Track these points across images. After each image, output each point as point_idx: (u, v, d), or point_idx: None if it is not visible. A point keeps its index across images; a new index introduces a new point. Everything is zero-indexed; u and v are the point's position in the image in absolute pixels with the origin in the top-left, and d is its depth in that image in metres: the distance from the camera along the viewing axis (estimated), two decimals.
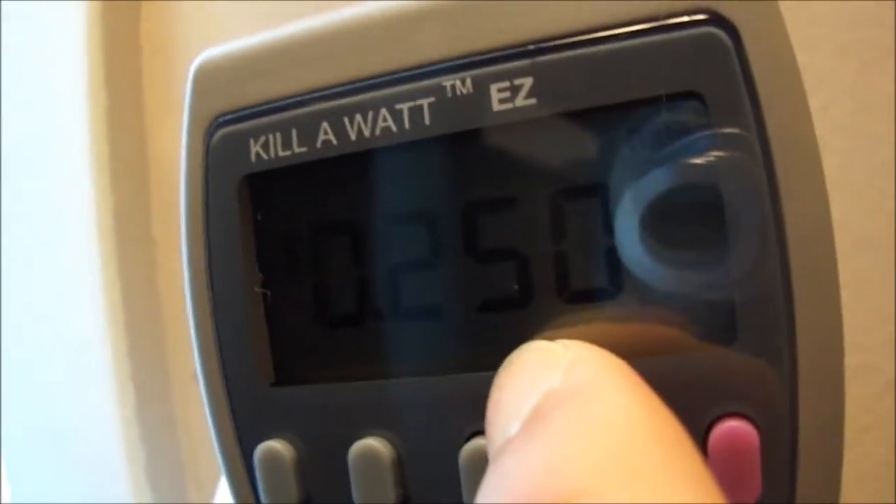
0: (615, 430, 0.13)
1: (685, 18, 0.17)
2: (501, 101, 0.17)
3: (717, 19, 0.17)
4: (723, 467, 0.16)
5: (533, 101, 0.17)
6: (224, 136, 0.19)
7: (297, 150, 0.18)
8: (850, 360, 0.27)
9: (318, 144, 0.18)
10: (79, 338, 0.40)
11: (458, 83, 0.17)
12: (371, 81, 0.18)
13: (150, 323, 0.40)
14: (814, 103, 0.27)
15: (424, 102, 0.17)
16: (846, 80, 0.27)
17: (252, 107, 0.19)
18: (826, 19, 0.27)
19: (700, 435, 0.17)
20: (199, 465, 0.40)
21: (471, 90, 0.17)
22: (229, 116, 0.19)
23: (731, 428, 0.16)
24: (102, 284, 0.38)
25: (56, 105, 0.40)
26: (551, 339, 0.17)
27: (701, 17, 0.17)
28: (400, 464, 0.18)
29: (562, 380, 0.15)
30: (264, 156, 0.18)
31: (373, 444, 0.18)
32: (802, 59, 0.27)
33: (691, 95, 0.16)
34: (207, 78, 0.19)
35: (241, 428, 0.19)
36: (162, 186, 0.39)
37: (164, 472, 0.39)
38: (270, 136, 0.18)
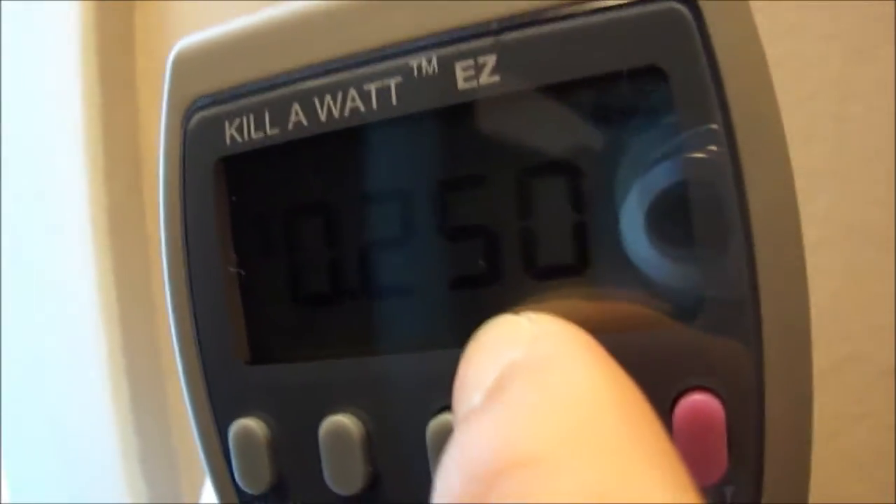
0: (574, 400, 0.13)
1: None
2: (466, 79, 0.17)
3: None
4: (688, 442, 0.16)
5: (496, 78, 0.17)
6: (200, 119, 0.19)
7: (269, 131, 0.19)
8: (841, 349, 0.26)
9: (290, 126, 0.18)
10: (74, 332, 0.41)
11: (423, 62, 0.18)
12: (339, 63, 0.18)
13: (145, 318, 0.41)
14: (801, 92, 0.27)
15: (392, 82, 0.18)
16: (833, 69, 0.26)
17: (227, 90, 0.19)
18: (813, 7, 0.26)
19: (666, 409, 0.17)
20: (193, 457, 0.41)
21: (436, 69, 0.17)
22: (206, 100, 0.19)
23: (696, 402, 0.16)
24: (97, 280, 0.39)
25: (51, 103, 0.41)
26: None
27: None
28: (370, 440, 0.18)
29: (525, 352, 0.15)
30: (238, 138, 0.19)
31: (343, 421, 0.18)
32: (789, 46, 0.27)
33: (653, 71, 0.17)
34: (185, 63, 0.20)
35: (217, 406, 0.19)
36: (155, 184, 0.39)
37: (158, 464, 0.40)
38: (244, 119, 0.19)
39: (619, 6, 0.17)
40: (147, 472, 0.39)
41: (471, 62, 0.17)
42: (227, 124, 0.19)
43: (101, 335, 0.39)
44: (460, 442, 0.14)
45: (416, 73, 0.18)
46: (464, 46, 0.17)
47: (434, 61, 0.18)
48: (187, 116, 0.19)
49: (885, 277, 0.26)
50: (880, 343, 0.26)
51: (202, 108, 0.19)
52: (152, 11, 0.40)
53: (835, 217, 0.26)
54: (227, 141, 0.19)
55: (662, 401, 0.17)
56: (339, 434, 0.18)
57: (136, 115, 0.39)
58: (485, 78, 0.17)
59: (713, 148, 0.16)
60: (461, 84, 0.17)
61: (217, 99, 0.19)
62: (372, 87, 0.18)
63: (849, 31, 0.26)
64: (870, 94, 0.26)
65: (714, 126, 0.16)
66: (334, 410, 0.18)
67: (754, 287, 0.16)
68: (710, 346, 0.16)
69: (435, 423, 0.17)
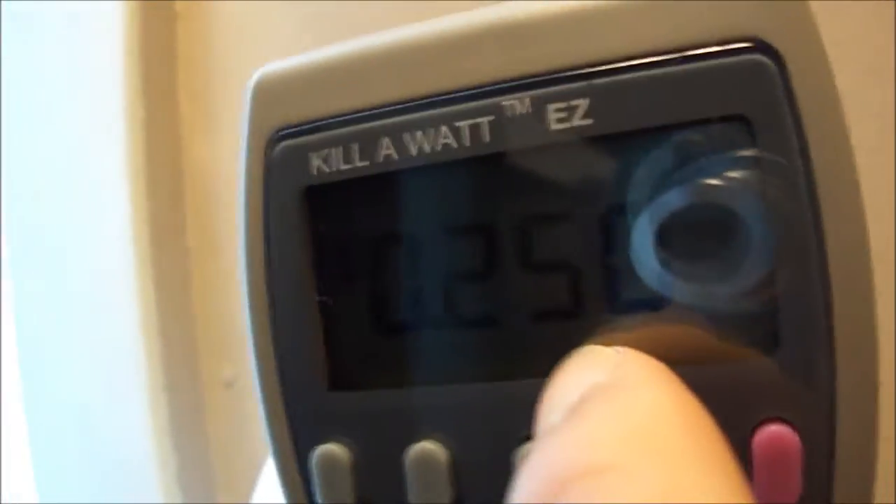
0: (645, 415, 0.15)
1: (733, 46, 0.18)
2: (559, 120, 0.18)
3: (763, 47, 0.18)
4: (767, 469, 0.17)
5: (589, 121, 0.18)
6: (284, 148, 0.20)
7: (358, 163, 0.19)
8: None
9: (380, 159, 0.19)
10: (113, 346, 0.40)
11: (516, 103, 0.18)
12: (431, 100, 0.19)
13: (184, 332, 0.40)
14: None
15: (485, 121, 0.18)
16: (845, 90, 0.27)
17: (312, 121, 0.19)
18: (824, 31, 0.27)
19: (745, 439, 0.18)
20: (231, 474, 0.40)
21: (529, 110, 0.18)
22: (290, 130, 0.20)
23: (774, 432, 0.17)
24: (137, 292, 0.38)
25: (93, 116, 0.40)
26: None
27: (748, 44, 0.18)
28: (455, 466, 0.19)
29: (607, 376, 0.16)
30: (325, 168, 0.19)
31: (429, 448, 0.19)
32: None
33: (738, 119, 0.18)
34: (267, 92, 0.20)
35: (297, 432, 0.20)
36: (196, 196, 0.39)
37: (196, 481, 0.40)
38: (331, 150, 0.19)
39: (706, 56, 0.18)
40: (184, 488, 0.39)
41: (564, 104, 0.18)
42: (312, 155, 0.19)
43: (140, 348, 0.39)
44: (539, 450, 0.15)
45: (508, 112, 0.18)
46: (557, 89, 0.18)
47: (527, 102, 0.18)
48: (270, 145, 0.20)
49: (883, 294, 0.27)
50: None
51: (286, 137, 0.20)
52: (195, 24, 0.40)
53: None
54: (314, 171, 0.19)
55: (742, 430, 0.18)
56: (426, 460, 0.19)
57: (177, 126, 0.39)
58: (577, 120, 0.18)
59: (793, 185, 0.17)
60: (553, 125, 0.18)
61: (303, 129, 0.19)
62: (464, 125, 0.18)
63: (854, 58, 0.28)
64: (875, 117, 0.28)
65: (793, 165, 0.17)
66: (420, 437, 0.19)
67: (829, 322, 0.17)
68: (787, 378, 0.18)
69: (520, 452, 0.18)
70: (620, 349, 0.17)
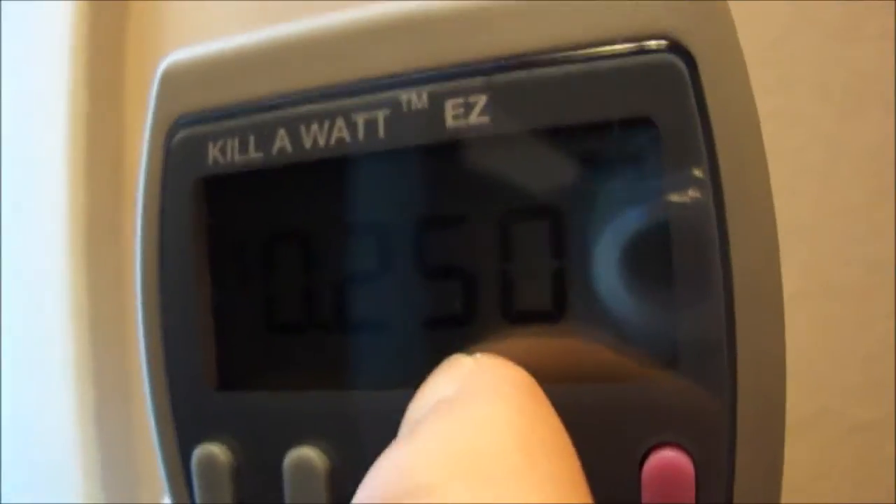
0: (477, 432, 0.14)
1: (643, 44, 0.17)
2: (455, 117, 0.17)
3: (674, 46, 0.17)
4: (657, 496, 0.16)
5: (486, 118, 0.17)
6: (184, 137, 0.19)
7: (253, 155, 0.18)
8: (811, 405, 0.26)
9: (274, 151, 0.18)
10: (43, 335, 0.40)
11: (413, 97, 0.17)
12: (328, 90, 0.18)
13: (115, 328, 0.40)
14: (789, 144, 0.28)
15: (380, 115, 0.18)
16: (824, 124, 0.26)
17: (213, 110, 0.19)
18: (805, 61, 0.26)
19: (636, 464, 0.16)
20: (155, 472, 0.40)
21: (426, 105, 0.17)
22: (190, 118, 0.19)
23: (666, 458, 0.16)
24: (70, 283, 0.38)
25: (36, 107, 0.40)
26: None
27: (659, 43, 0.17)
28: (333, 475, 0.18)
29: (456, 388, 0.15)
30: (221, 159, 0.19)
31: (308, 454, 0.18)
32: (780, 100, 0.27)
33: (644, 122, 0.16)
34: (172, 78, 0.19)
35: (182, 430, 0.19)
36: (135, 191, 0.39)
37: (119, 474, 0.39)
38: (228, 140, 0.19)
39: (614, 54, 0.17)
40: (106, 480, 0.39)
41: (461, 100, 0.17)
42: (210, 144, 0.19)
43: (70, 342, 0.38)
44: (374, 468, 0.14)
45: (405, 107, 0.17)
46: (455, 84, 0.17)
47: (424, 97, 0.17)
48: (171, 133, 0.19)
49: (858, 335, 0.26)
50: (851, 399, 0.26)
51: (186, 125, 0.19)
52: (145, 20, 0.40)
53: (811, 272, 0.26)
54: (210, 161, 0.19)
55: (634, 454, 0.16)
56: (303, 466, 0.18)
57: (122, 125, 0.39)
58: (474, 117, 0.17)
59: (698, 195, 0.16)
60: (450, 122, 0.17)
61: (202, 117, 0.19)
62: (359, 118, 0.18)
63: (842, 88, 0.27)
64: (858, 152, 0.26)
65: (700, 174, 0.16)
66: (300, 442, 0.18)
67: (731, 343, 0.16)
68: (684, 401, 0.16)
69: None
70: (480, 357, 0.17)
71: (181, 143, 0.19)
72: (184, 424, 0.19)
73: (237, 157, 0.18)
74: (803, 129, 0.26)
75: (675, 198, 0.16)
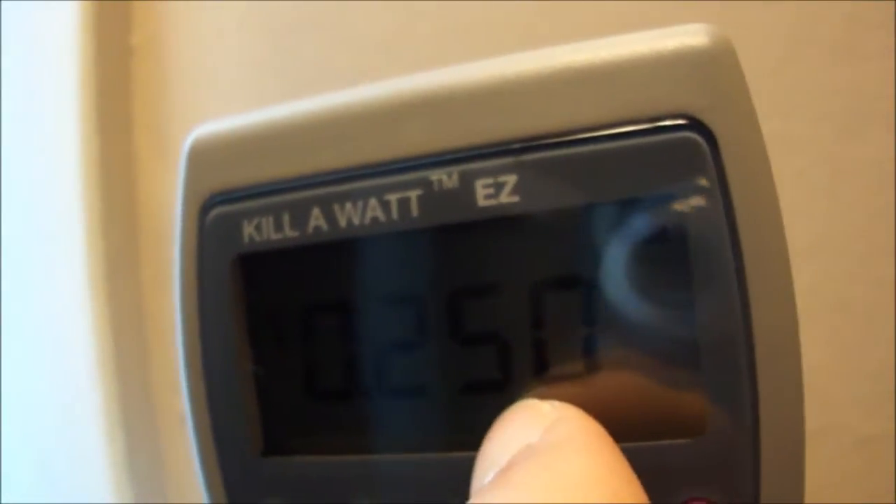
0: (573, 483, 0.14)
1: (664, 122, 0.17)
2: (486, 196, 0.18)
3: (695, 125, 0.17)
4: None
5: (516, 198, 0.18)
6: (218, 215, 0.19)
7: (288, 233, 0.19)
8: (819, 419, 0.28)
9: (310, 230, 0.19)
10: (69, 382, 0.41)
11: (444, 177, 0.18)
12: (361, 170, 0.18)
13: (139, 368, 0.41)
14: (790, 169, 0.28)
15: (412, 195, 0.18)
16: (823, 147, 0.27)
17: (245, 188, 0.19)
18: (803, 87, 0.27)
19: None
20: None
21: (457, 184, 0.18)
22: (224, 196, 0.19)
23: None
24: (92, 328, 0.39)
25: (48, 151, 0.40)
26: None
27: (680, 121, 0.17)
28: None
29: (541, 435, 0.16)
30: (257, 237, 0.19)
31: None
32: (779, 125, 0.28)
33: (669, 199, 0.17)
34: (201, 155, 0.20)
35: (232, 495, 0.20)
36: (151, 231, 0.40)
37: None
38: (263, 219, 0.19)
39: (637, 132, 0.17)
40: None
41: (491, 180, 0.18)
42: (245, 222, 0.19)
43: (96, 383, 0.39)
44: None
45: (436, 186, 0.18)
46: (485, 164, 0.18)
47: (455, 176, 0.18)
48: (204, 210, 0.20)
49: (867, 351, 0.27)
50: (858, 413, 0.27)
51: (219, 203, 0.20)
52: (150, 58, 0.40)
53: (819, 292, 0.27)
54: (245, 239, 0.19)
55: None
56: None
57: (132, 163, 0.39)
58: (505, 197, 0.18)
59: (724, 284, 0.17)
60: (481, 201, 0.18)
61: (235, 196, 0.19)
62: (393, 198, 0.18)
63: (839, 111, 0.27)
64: (859, 172, 0.27)
65: (722, 249, 0.17)
66: None
67: (755, 407, 0.17)
68: (711, 459, 0.17)
69: None
70: (556, 404, 0.17)
71: (216, 220, 0.19)
72: (234, 490, 0.20)
73: (273, 235, 0.19)
74: (805, 151, 0.27)
75: (700, 282, 0.17)
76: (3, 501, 0.46)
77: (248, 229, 0.19)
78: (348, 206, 0.18)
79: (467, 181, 0.18)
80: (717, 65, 0.17)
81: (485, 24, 0.32)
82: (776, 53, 0.27)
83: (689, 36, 0.18)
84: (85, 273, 0.39)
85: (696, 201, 0.17)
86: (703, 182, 0.17)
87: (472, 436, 0.18)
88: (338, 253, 0.19)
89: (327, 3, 0.35)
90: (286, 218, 0.19)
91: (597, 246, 0.18)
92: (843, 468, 0.27)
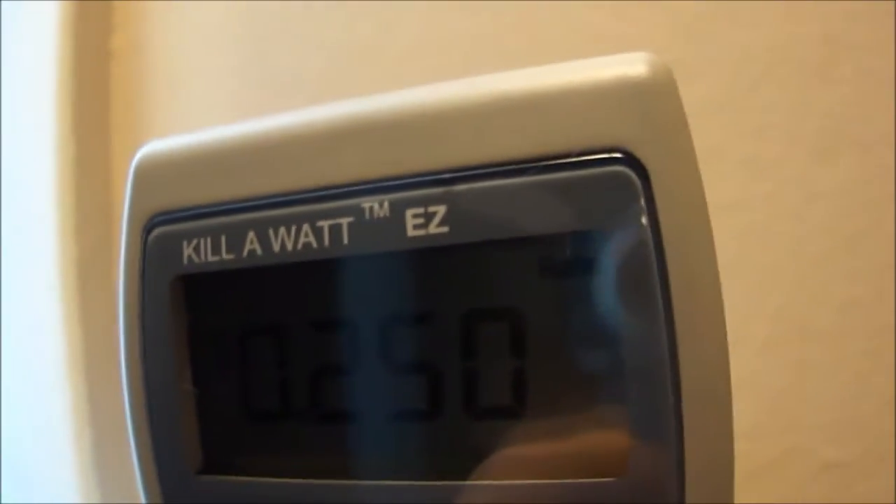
0: None
1: (598, 156, 0.17)
2: (416, 226, 0.18)
3: (628, 158, 0.17)
4: None
5: (445, 229, 0.17)
6: (159, 235, 0.20)
7: (225, 256, 0.19)
8: (783, 443, 0.27)
9: (245, 253, 0.19)
10: (38, 382, 0.42)
11: (376, 206, 0.18)
12: (296, 196, 0.19)
13: (111, 372, 0.41)
14: (761, 190, 0.28)
15: (344, 222, 0.18)
16: (794, 169, 0.27)
17: (186, 209, 0.19)
18: (776, 108, 0.27)
19: None
20: None
21: (388, 213, 0.18)
22: (165, 216, 0.20)
23: None
24: (63, 328, 0.39)
25: (24, 153, 0.41)
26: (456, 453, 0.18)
27: (614, 154, 0.17)
28: None
29: None
30: (196, 259, 0.19)
31: None
32: (752, 147, 0.27)
33: (598, 232, 0.17)
34: (146, 174, 0.20)
35: None
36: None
37: None
38: (202, 241, 0.19)
39: (569, 165, 0.17)
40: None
41: (422, 210, 0.18)
42: (185, 243, 0.19)
43: (66, 384, 0.40)
44: None
45: (367, 214, 0.18)
46: (416, 194, 0.18)
47: (386, 205, 0.18)
48: (147, 230, 0.20)
49: (832, 376, 0.27)
50: (824, 438, 0.27)
51: (161, 223, 0.20)
52: (129, 61, 0.40)
53: (786, 316, 0.26)
54: (185, 260, 0.19)
55: None
56: None
57: (108, 167, 0.39)
58: (434, 227, 0.18)
59: (651, 320, 0.17)
60: (410, 231, 0.18)
61: (177, 216, 0.20)
62: (325, 225, 0.18)
63: (812, 133, 0.27)
64: (831, 196, 0.26)
65: (650, 284, 0.17)
66: None
67: (680, 444, 0.17)
68: (635, 498, 0.17)
69: None
70: None
71: (157, 240, 0.20)
72: None
73: (210, 258, 0.19)
74: (777, 173, 0.27)
75: (625, 317, 0.17)
76: None
77: (187, 250, 0.19)
78: (282, 231, 0.19)
79: (398, 210, 0.18)
80: (653, 97, 0.17)
81: (460, 34, 0.31)
82: (752, 74, 0.26)
83: (627, 66, 0.17)
84: (57, 274, 0.39)
85: (626, 236, 0.17)
86: (634, 217, 0.17)
87: (400, 464, 0.18)
88: (273, 277, 0.19)
89: (305, 11, 0.35)
90: (223, 241, 0.19)
91: (526, 278, 0.18)
92: (809, 493, 0.27)
